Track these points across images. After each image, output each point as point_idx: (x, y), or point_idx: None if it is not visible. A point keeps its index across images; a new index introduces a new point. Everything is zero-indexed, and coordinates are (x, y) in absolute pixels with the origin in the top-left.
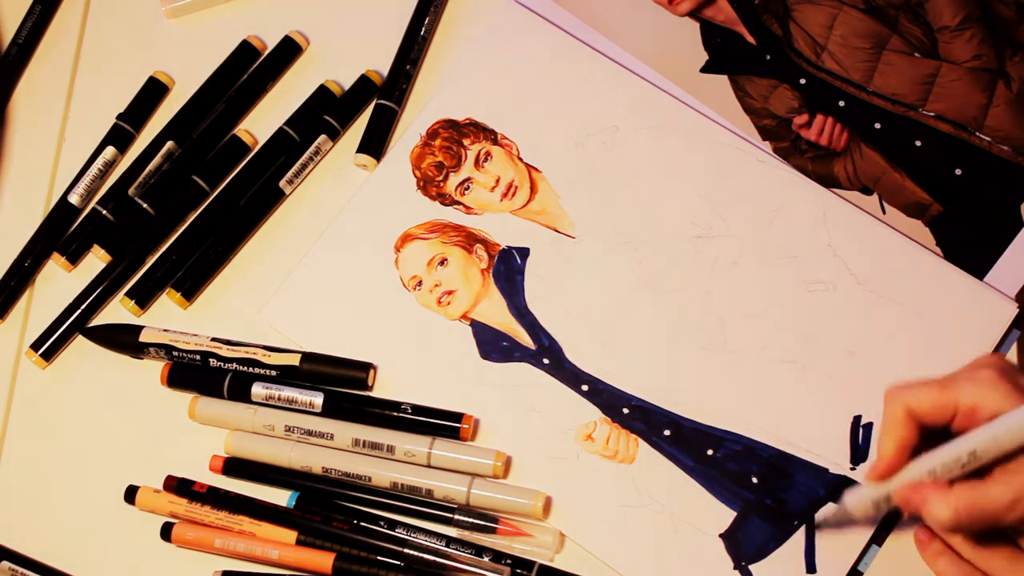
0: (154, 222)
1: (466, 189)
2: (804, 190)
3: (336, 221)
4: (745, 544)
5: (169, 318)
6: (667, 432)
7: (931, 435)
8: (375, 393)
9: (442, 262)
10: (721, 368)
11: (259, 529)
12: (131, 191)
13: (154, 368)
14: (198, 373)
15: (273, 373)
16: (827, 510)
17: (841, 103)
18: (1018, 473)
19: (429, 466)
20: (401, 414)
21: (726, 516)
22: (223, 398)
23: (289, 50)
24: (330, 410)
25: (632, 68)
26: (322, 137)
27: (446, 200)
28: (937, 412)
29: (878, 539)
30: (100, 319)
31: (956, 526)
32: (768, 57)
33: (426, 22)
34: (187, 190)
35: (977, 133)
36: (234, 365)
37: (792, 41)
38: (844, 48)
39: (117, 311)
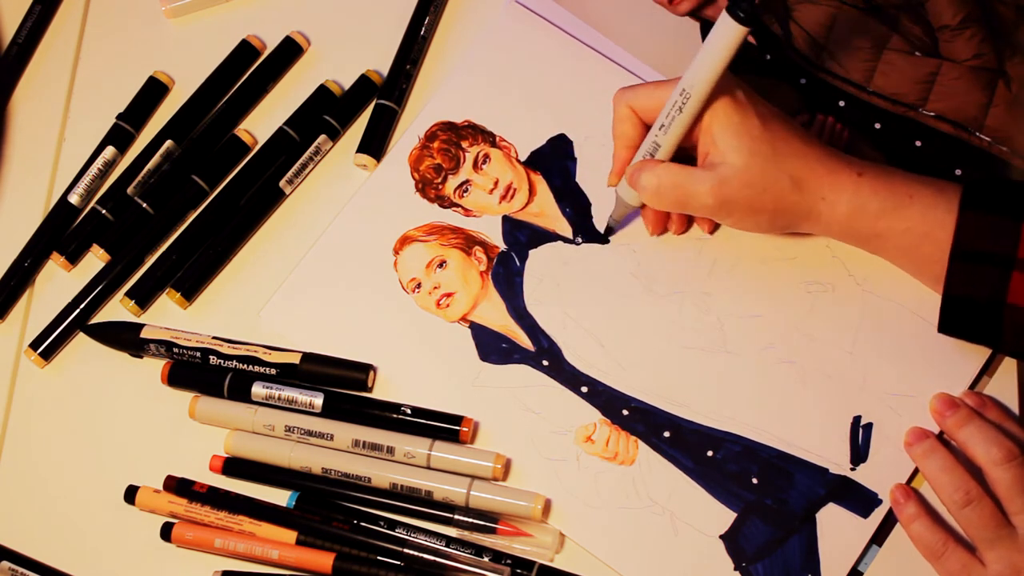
0: (153, 222)
1: (465, 191)
2: None
3: (335, 223)
4: (746, 545)
5: (169, 318)
6: (667, 433)
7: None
8: (374, 394)
9: (441, 264)
10: (721, 369)
11: (259, 529)
12: (130, 190)
13: (154, 368)
14: (198, 372)
15: (273, 372)
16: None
17: (841, 103)
18: (725, 165)
19: (428, 468)
20: (401, 416)
21: (726, 517)
22: (223, 398)
23: (289, 50)
24: (330, 411)
25: (632, 68)
26: (322, 137)
27: (445, 202)
28: (655, 107)
29: (878, 539)
30: (100, 319)
31: (657, 198)
32: (768, 57)
33: (426, 22)
34: (186, 190)
35: (977, 134)
36: (234, 363)
37: (792, 41)
38: (844, 48)
39: (117, 311)
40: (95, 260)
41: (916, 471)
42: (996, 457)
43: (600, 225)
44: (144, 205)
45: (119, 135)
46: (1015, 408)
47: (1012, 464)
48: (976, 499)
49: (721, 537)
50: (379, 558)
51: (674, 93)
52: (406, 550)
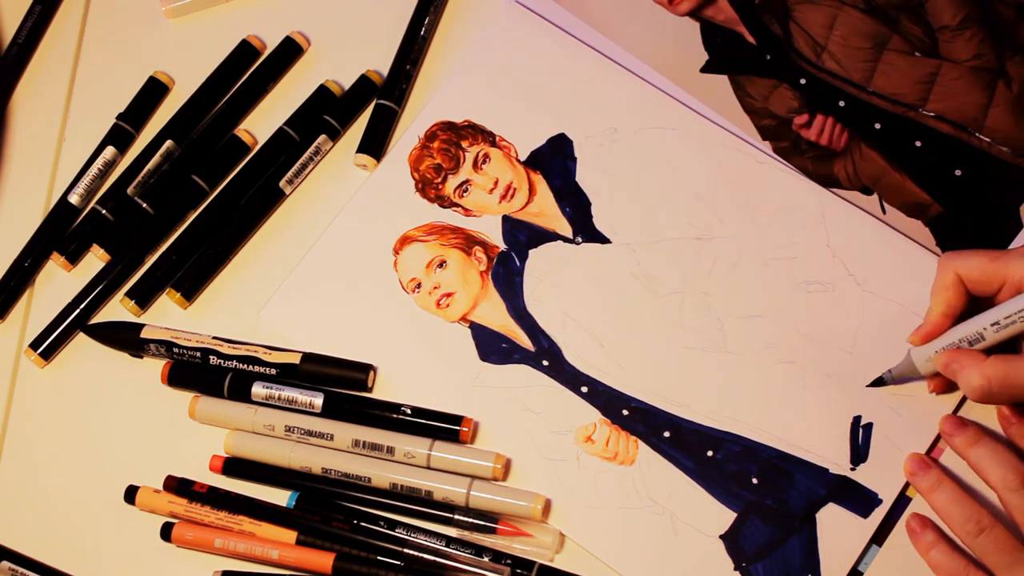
0: (153, 222)
1: (465, 191)
2: (804, 190)
3: (335, 222)
4: (746, 545)
5: (169, 318)
6: (667, 433)
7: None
8: (375, 394)
9: (441, 264)
10: (721, 369)
11: (259, 529)
12: (130, 190)
13: (154, 367)
14: (199, 372)
15: (273, 372)
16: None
17: (841, 103)
18: None
19: (428, 468)
20: (401, 416)
21: (726, 517)
22: (223, 398)
23: (289, 50)
24: (330, 411)
25: (632, 68)
26: (322, 137)
27: (445, 202)
28: (985, 281)
29: (878, 539)
30: (100, 319)
31: (986, 395)
32: (768, 57)
33: (426, 22)
34: (186, 190)
35: (977, 134)
36: (234, 363)
37: (792, 41)
38: (844, 48)
39: (117, 311)
40: (95, 260)
41: None
42: (1012, 483)
43: (600, 225)
44: (144, 205)
45: (119, 135)
46: None
47: None
48: (988, 527)
49: (721, 537)
50: (379, 558)
51: (1021, 300)
52: (406, 550)
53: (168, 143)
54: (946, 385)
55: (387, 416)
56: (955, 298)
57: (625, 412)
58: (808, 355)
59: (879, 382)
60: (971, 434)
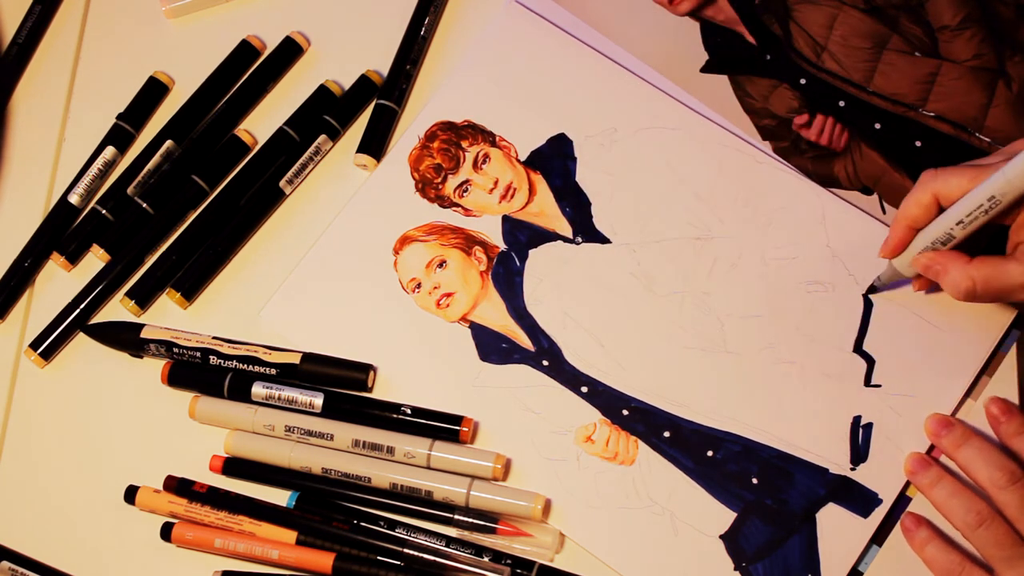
0: (153, 222)
1: (465, 191)
2: (804, 190)
3: (336, 222)
4: (746, 545)
5: (169, 318)
6: (667, 433)
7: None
8: (375, 394)
9: (441, 264)
10: (721, 369)
11: (259, 529)
12: (130, 190)
13: (154, 367)
14: (199, 372)
15: (273, 372)
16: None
17: (841, 103)
18: None
19: (428, 468)
20: (401, 416)
21: (726, 517)
22: (223, 398)
23: (289, 50)
24: (330, 411)
25: (632, 68)
26: (322, 137)
27: (445, 202)
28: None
29: (878, 539)
30: (100, 319)
31: (971, 295)
32: (768, 57)
33: (426, 22)
34: (186, 190)
35: (977, 134)
36: (235, 363)
37: (792, 41)
38: (844, 48)
39: (117, 311)
40: (95, 260)
41: None
42: (1000, 481)
43: (600, 225)
44: (144, 205)
45: (119, 135)
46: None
47: (1017, 485)
48: (988, 519)
49: (721, 537)
50: (379, 558)
51: (980, 196)
52: (406, 550)
53: (168, 143)
54: (929, 284)
55: (387, 416)
56: (924, 216)
57: (625, 412)
58: (808, 355)
59: (872, 290)
60: (958, 434)
